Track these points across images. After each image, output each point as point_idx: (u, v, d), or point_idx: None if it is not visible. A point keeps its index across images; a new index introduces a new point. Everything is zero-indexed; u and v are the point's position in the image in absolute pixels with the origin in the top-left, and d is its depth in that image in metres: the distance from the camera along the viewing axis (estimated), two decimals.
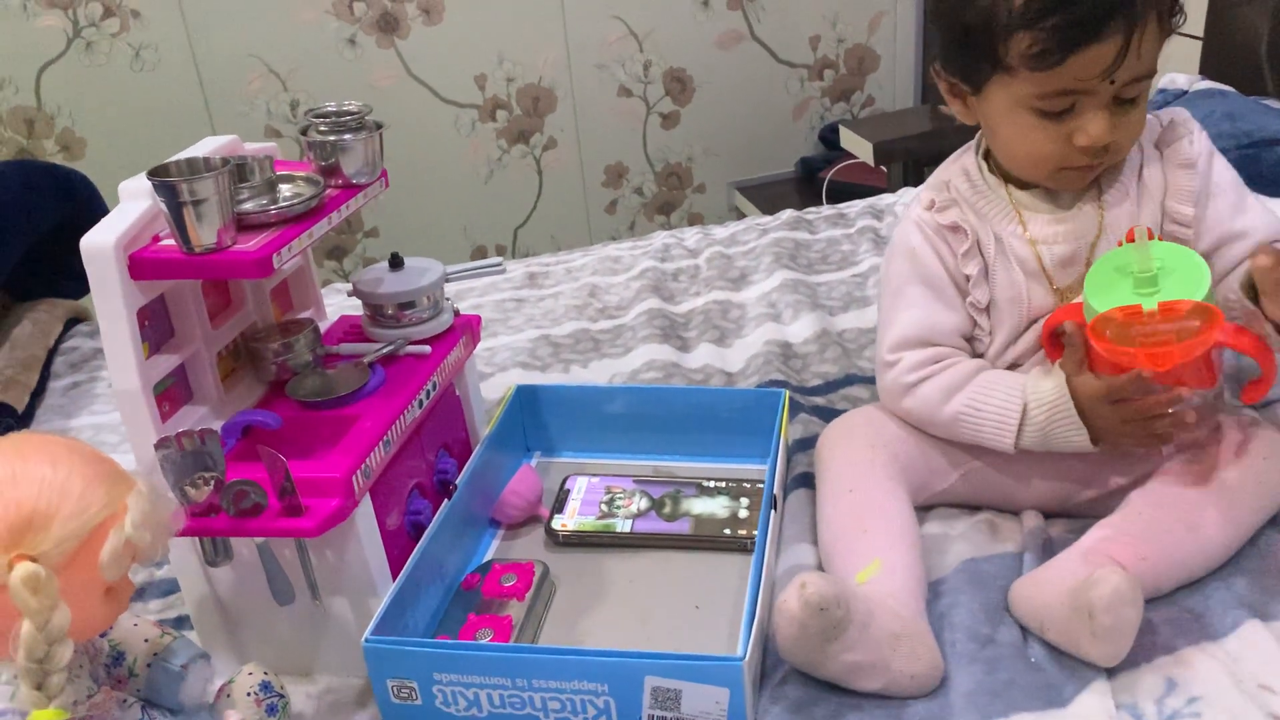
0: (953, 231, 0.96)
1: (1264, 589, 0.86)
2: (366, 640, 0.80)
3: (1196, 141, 0.94)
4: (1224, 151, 1.33)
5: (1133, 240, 0.85)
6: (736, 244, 1.69)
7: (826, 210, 1.80)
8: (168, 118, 2.39)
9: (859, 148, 2.30)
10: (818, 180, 2.59)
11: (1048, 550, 0.92)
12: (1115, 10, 0.80)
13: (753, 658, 0.77)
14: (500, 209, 2.70)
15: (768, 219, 1.78)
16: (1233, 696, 0.76)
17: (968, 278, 0.96)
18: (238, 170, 0.84)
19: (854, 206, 1.80)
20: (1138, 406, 0.86)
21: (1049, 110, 0.86)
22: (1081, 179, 0.92)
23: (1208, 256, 0.91)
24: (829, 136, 2.73)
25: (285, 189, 0.88)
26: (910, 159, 2.21)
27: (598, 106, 2.65)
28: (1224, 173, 0.95)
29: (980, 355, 0.99)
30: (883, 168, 2.37)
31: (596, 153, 2.71)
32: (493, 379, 1.32)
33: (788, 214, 1.78)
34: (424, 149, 2.57)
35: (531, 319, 1.48)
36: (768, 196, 2.68)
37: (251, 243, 0.80)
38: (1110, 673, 0.80)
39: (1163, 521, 0.87)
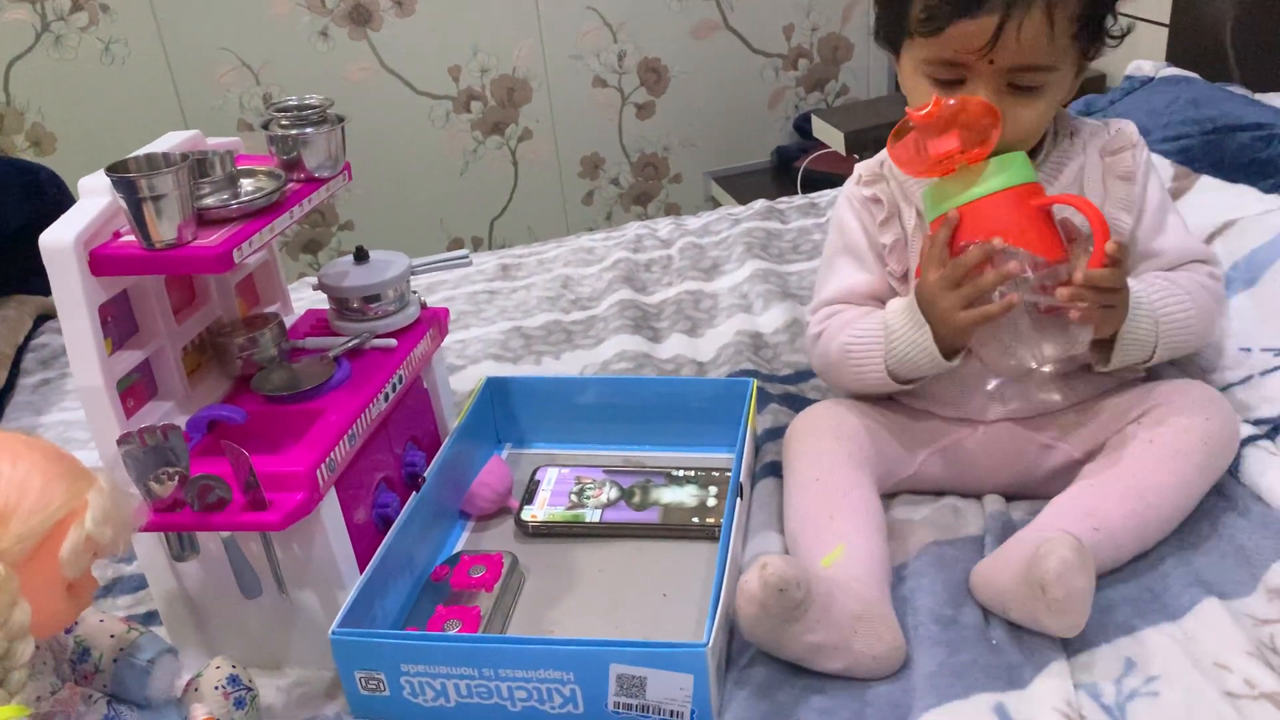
0: (874, 203, 1.02)
1: (1221, 568, 0.87)
2: (333, 633, 0.81)
3: (1139, 156, 0.97)
4: (1187, 137, 1.36)
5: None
6: (709, 234, 1.70)
7: (798, 200, 1.80)
8: (139, 112, 2.38)
9: (831, 137, 2.30)
10: (793, 169, 2.59)
11: (1008, 532, 0.93)
12: None
13: (716, 643, 0.78)
14: (476, 201, 2.69)
15: (740, 209, 1.79)
16: (1190, 675, 0.78)
17: (885, 246, 1.01)
18: (198, 165, 0.84)
19: (825, 196, 1.81)
20: (958, 259, 0.87)
21: (939, 79, 0.90)
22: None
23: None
24: (804, 126, 2.73)
25: (247, 183, 0.88)
26: (883, 147, 2.21)
27: (573, 97, 2.65)
28: (1155, 192, 0.99)
29: None
30: (855, 156, 2.37)
31: (572, 144, 2.71)
32: (464, 371, 1.32)
33: (760, 204, 1.78)
34: (398, 141, 2.56)
35: (504, 310, 1.48)
36: (744, 186, 2.68)
37: (212, 238, 0.80)
38: (1070, 653, 0.81)
39: (1115, 493, 0.89)
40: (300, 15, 2.40)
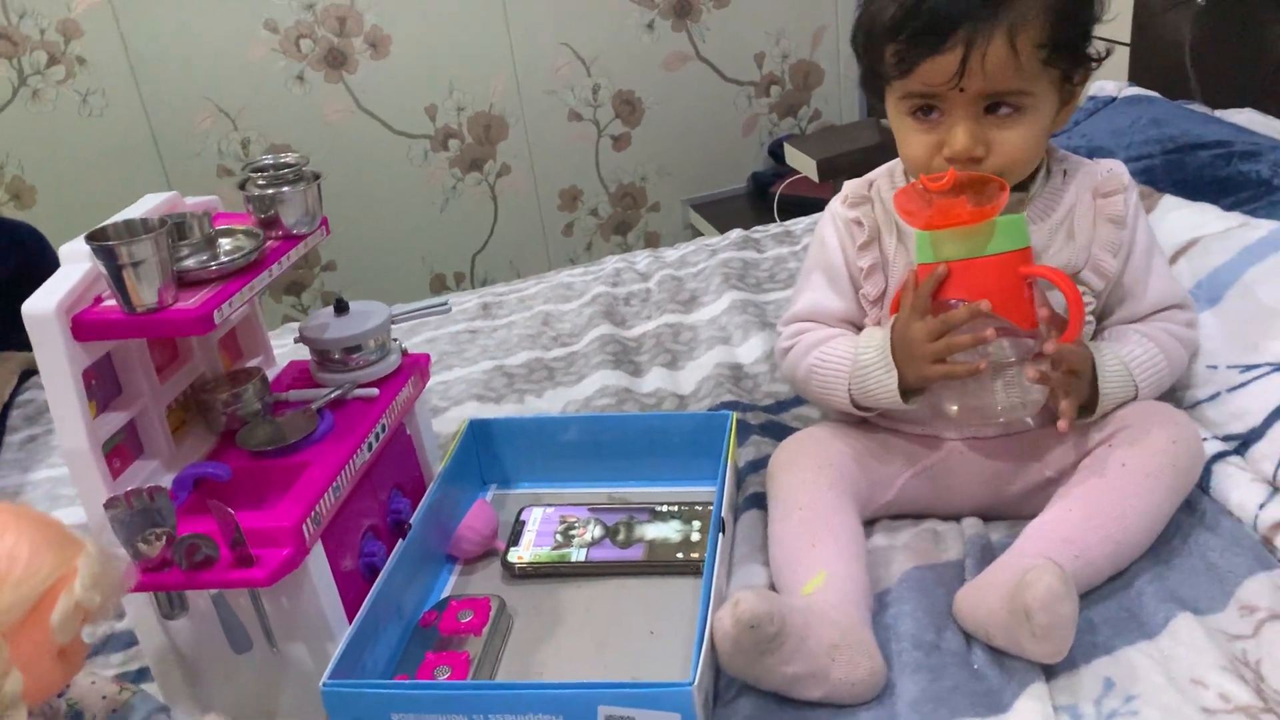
0: (856, 225, 1.03)
1: (1194, 584, 0.89)
2: (324, 684, 0.82)
3: (1129, 200, 1.00)
4: (1149, 157, 1.39)
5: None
6: (686, 265, 1.72)
7: (774, 228, 1.83)
8: (118, 162, 2.39)
9: (803, 164, 2.33)
10: (769, 195, 2.62)
11: (988, 555, 0.95)
12: (956, 26, 0.87)
13: (702, 680, 0.79)
14: (457, 237, 2.71)
15: (716, 239, 1.81)
16: (1168, 693, 0.79)
17: (863, 270, 1.03)
18: (177, 228, 0.86)
19: (801, 223, 1.83)
20: (940, 318, 0.90)
21: (919, 112, 0.94)
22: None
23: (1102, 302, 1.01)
24: (778, 151, 2.77)
25: (225, 243, 0.89)
26: (855, 172, 2.24)
27: (549, 131, 2.68)
28: (1142, 236, 1.01)
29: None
30: (830, 182, 2.40)
31: (550, 177, 2.73)
32: (447, 413, 1.33)
33: (735, 234, 1.80)
34: (378, 181, 2.58)
35: (485, 350, 1.50)
36: (722, 213, 2.71)
37: (192, 300, 0.81)
38: (1050, 675, 0.83)
39: (1091, 517, 0.90)
40: (276, 60, 2.43)
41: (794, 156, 2.39)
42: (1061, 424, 0.92)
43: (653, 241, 2.87)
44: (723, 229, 1.86)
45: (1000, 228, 0.88)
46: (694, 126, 2.79)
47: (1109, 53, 0.97)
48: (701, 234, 2.65)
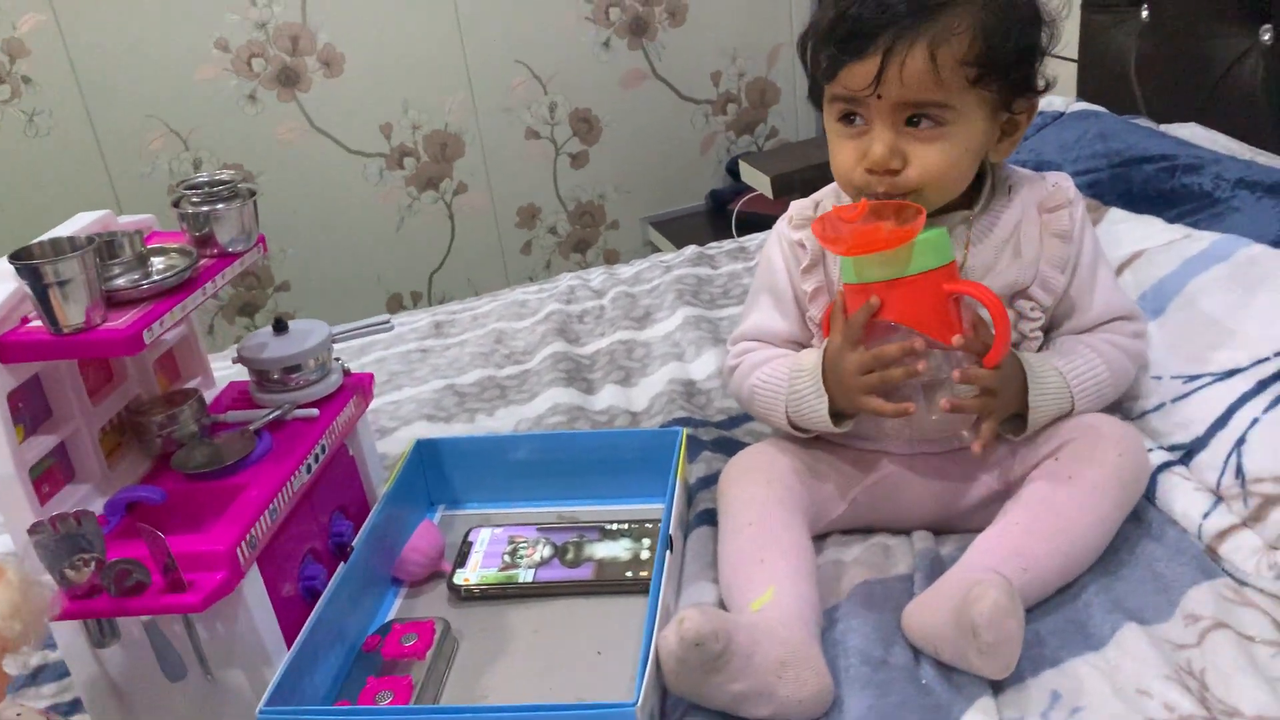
0: (800, 247, 1.03)
1: (1140, 594, 0.89)
2: (261, 711, 0.80)
3: (1075, 214, 1.00)
4: (1096, 171, 1.40)
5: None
6: (641, 282, 1.71)
7: (728, 245, 1.83)
8: (67, 182, 2.35)
9: (758, 181, 2.34)
10: (728, 212, 2.63)
11: (937, 569, 0.94)
12: (879, 33, 0.88)
13: (646, 701, 0.78)
14: (414, 256, 2.69)
15: (671, 255, 1.80)
16: (1113, 704, 0.79)
17: (807, 293, 1.03)
18: (107, 247, 0.84)
19: (755, 239, 1.84)
20: (872, 353, 0.91)
21: (843, 119, 0.95)
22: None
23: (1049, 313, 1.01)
24: (736, 169, 2.78)
25: (158, 262, 0.88)
26: (810, 188, 2.25)
27: (506, 149, 2.67)
28: (1089, 250, 1.02)
29: None
30: (786, 198, 2.41)
31: (508, 195, 2.72)
32: (397, 432, 1.32)
33: (690, 250, 1.80)
34: (332, 200, 2.56)
35: (437, 369, 1.48)
36: (681, 230, 2.71)
37: (121, 320, 0.79)
38: (997, 689, 0.83)
39: (1038, 531, 0.90)
40: (227, 80, 2.40)
41: (749, 173, 2.39)
42: (974, 445, 0.93)
43: (612, 259, 2.86)
44: (682, 247, 1.86)
45: (920, 246, 0.88)
46: (652, 144, 2.79)
47: (1049, 86, 0.97)
48: (661, 251, 2.65)
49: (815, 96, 0.99)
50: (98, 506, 0.86)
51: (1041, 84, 0.96)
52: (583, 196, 2.80)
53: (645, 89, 2.72)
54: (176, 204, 0.91)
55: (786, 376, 1.00)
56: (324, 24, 2.42)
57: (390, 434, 1.31)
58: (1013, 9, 0.91)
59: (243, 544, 0.82)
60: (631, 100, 2.72)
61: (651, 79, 2.72)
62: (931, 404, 0.92)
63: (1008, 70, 0.92)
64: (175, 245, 0.90)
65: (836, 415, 0.97)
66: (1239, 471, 0.95)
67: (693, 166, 2.86)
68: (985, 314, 0.91)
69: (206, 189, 0.90)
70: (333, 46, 2.44)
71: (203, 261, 0.89)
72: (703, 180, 2.87)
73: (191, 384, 1.04)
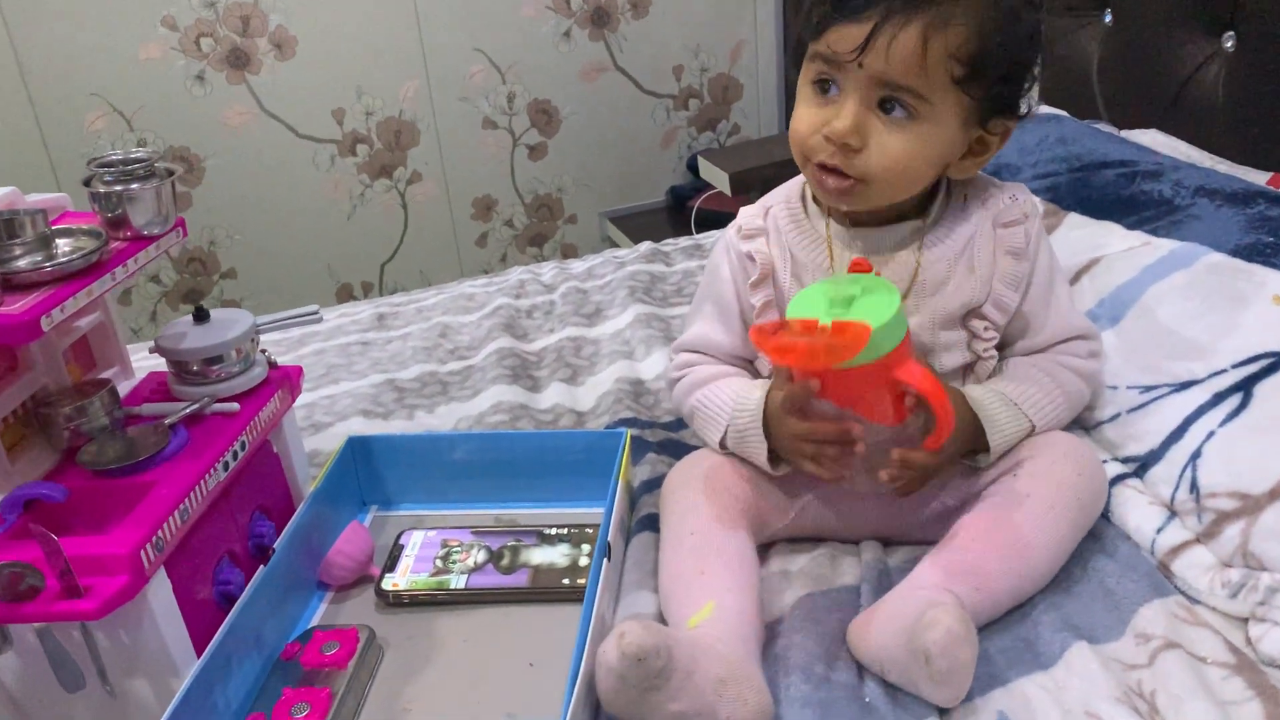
0: (749, 260, 0.99)
1: (1090, 612, 0.86)
2: None
3: (1030, 230, 0.96)
4: (1056, 175, 1.38)
5: (859, 269, 0.88)
6: (593, 278, 1.67)
7: (684, 242, 1.79)
8: (4, 162, 2.27)
9: (717, 178, 2.30)
10: (688, 209, 2.59)
11: (884, 581, 0.91)
12: (875, 2, 0.84)
13: (575, 719, 0.74)
14: (365, 245, 2.63)
15: (625, 251, 1.76)
16: None
17: (755, 307, 0.99)
18: (7, 225, 0.78)
19: (713, 236, 1.80)
20: (810, 427, 0.90)
21: (816, 80, 0.90)
22: (827, 187, 0.91)
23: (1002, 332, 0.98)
24: (696, 165, 2.74)
25: (64, 244, 0.82)
26: (768, 188, 2.23)
27: (462, 139, 2.61)
28: (1044, 268, 0.98)
29: (768, 377, 1.02)
30: (745, 196, 2.38)
31: (463, 186, 2.66)
32: (332, 428, 1.26)
33: (645, 246, 1.76)
34: (282, 186, 2.49)
35: (377, 363, 1.43)
36: (639, 226, 2.67)
37: (18, 305, 0.74)
38: (943, 709, 0.79)
39: (993, 549, 0.87)
40: (174, 60, 2.33)
41: (708, 170, 2.36)
42: (883, 474, 0.90)
43: (570, 254, 2.82)
44: (640, 243, 1.81)
45: (873, 336, 0.80)
46: (612, 138, 2.75)
47: (1030, 113, 0.93)
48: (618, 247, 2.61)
49: (797, 55, 0.94)
50: None
51: (1024, 109, 0.92)
52: (540, 189, 2.75)
53: (606, 81, 2.68)
54: (88, 183, 0.85)
55: (729, 406, 0.97)
56: (276, 5, 2.35)
57: (325, 429, 1.26)
58: (1016, 20, 0.87)
59: (148, 546, 0.77)
60: (592, 92, 2.68)
61: (613, 71, 2.68)
62: (871, 473, 0.91)
63: (994, 80, 0.87)
64: (85, 226, 0.84)
65: (774, 455, 0.95)
66: (1193, 486, 0.92)
67: (653, 162, 2.82)
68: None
69: (120, 167, 0.85)
70: (285, 28, 2.38)
71: (114, 244, 0.83)
72: (663, 176, 2.84)
73: (107, 374, 0.98)
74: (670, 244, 1.78)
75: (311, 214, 2.55)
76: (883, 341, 0.81)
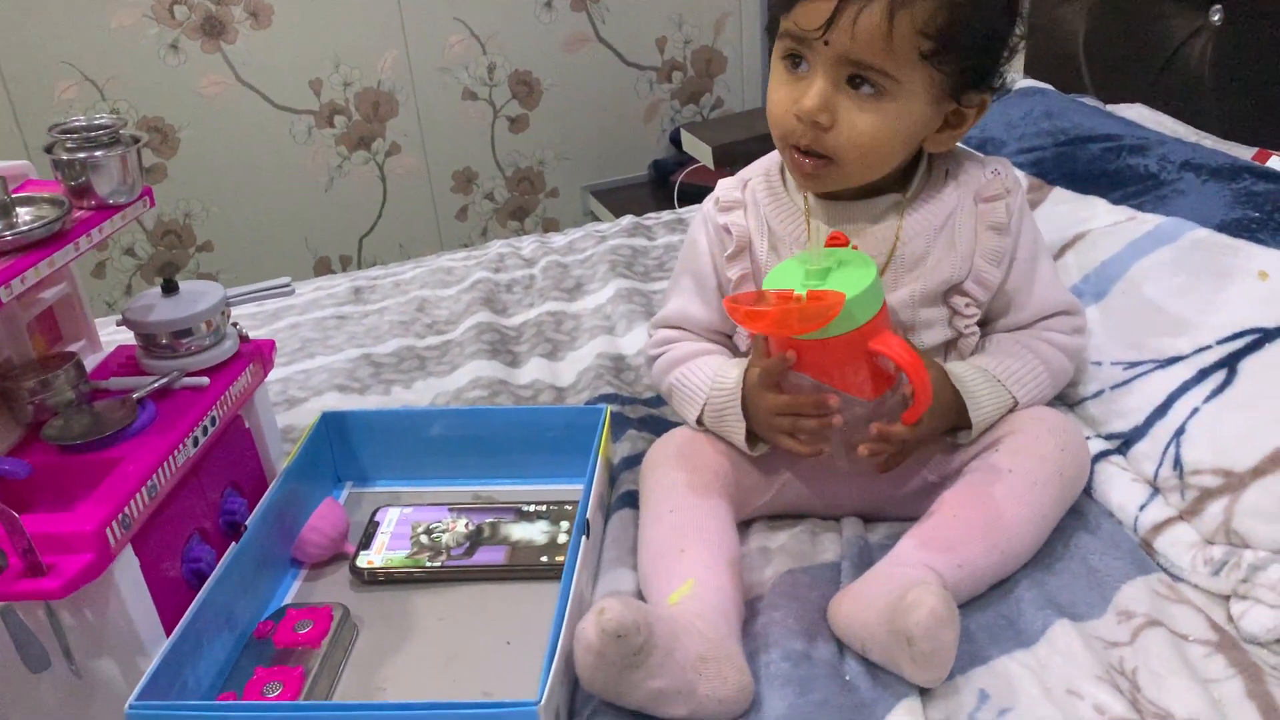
0: (726, 232, 0.98)
1: (1072, 589, 0.86)
2: (130, 706, 0.73)
3: (1013, 205, 0.94)
4: (1041, 149, 1.36)
5: (836, 243, 0.87)
6: (574, 252, 1.65)
7: (666, 215, 1.77)
8: None
9: (700, 151, 2.28)
10: (671, 183, 2.57)
11: (865, 558, 0.91)
12: None
13: (550, 699, 0.73)
14: (343, 218, 2.60)
15: (606, 225, 1.74)
16: (1043, 706, 0.76)
17: (732, 281, 0.98)
18: None
19: (695, 211, 1.78)
20: (787, 400, 0.89)
21: (787, 56, 0.89)
22: (802, 169, 0.90)
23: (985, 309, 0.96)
24: (679, 138, 2.72)
25: (24, 213, 0.79)
26: (752, 160, 2.21)
27: (442, 110, 2.57)
28: (1026, 242, 0.96)
29: (746, 354, 1.00)
30: (728, 169, 2.35)
31: (443, 158, 2.63)
32: (306, 404, 1.24)
33: (627, 220, 1.74)
34: (258, 158, 2.45)
35: (353, 337, 1.41)
36: (622, 200, 2.65)
37: None
38: (924, 689, 0.79)
39: (974, 525, 0.86)
40: (147, 27, 2.28)
41: (691, 143, 2.33)
42: (861, 448, 0.88)
43: (551, 228, 2.79)
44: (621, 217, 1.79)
45: (849, 305, 0.79)
46: (594, 110, 2.72)
47: (1006, 87, 0.92)
48: (600, 221, 2.58)
49: (771, 29, 0.92)
50: None
51: (999, 82, 0.90)
52: (521, 162, 2.72)
53: (588, 53, 2.65)
54: (49, 149, 0.82)
55: (707, 384, 0.96)
56: None
57: (300, 404, 1.24)
58: None
59: (114, 524, 0.75)
60: (574, 64, 2.64)
61: (595, 43, 2.64)
62: (849, 448, 0.89)
63: (966, 53, 0.85)
64: (47, 195, 0.82)
65: (751, 435, 0.94)
66: (1177, 462, 0.91)
67: (636, 135, 2.79)
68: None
69: (84, 134, 0.82)
70: None
71: (78, 213, 0.81)
72: (646, 149, 2.81)
73: (73, 348, 0.96)
74: (652, 218, 1.76)
75: (289, 186, 2.51)
76: (858, 312, 0.80)
